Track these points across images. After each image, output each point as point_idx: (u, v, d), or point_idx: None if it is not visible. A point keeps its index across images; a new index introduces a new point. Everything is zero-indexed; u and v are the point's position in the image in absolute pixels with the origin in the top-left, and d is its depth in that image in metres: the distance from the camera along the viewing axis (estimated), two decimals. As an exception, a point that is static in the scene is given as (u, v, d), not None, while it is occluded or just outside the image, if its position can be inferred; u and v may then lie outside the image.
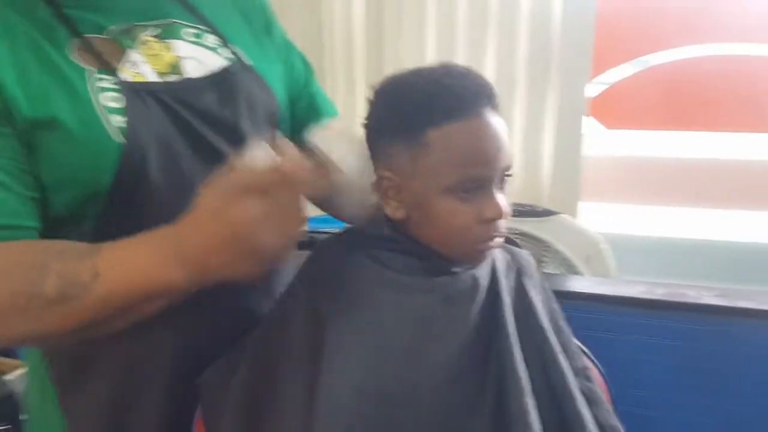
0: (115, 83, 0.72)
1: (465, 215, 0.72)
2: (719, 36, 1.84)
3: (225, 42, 0.83)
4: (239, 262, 0.64)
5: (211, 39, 0.82)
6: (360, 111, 1.95)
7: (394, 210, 0.76)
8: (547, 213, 1.69)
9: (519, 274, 0.82)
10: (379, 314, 0.74)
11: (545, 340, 0.77)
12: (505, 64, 1.74)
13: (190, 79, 0.78)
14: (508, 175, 0.75)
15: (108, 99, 0.71)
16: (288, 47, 0.97)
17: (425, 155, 0.71)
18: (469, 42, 1.77)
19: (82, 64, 0.71)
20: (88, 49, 0.72)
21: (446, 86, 0.71)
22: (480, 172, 0.72)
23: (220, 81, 0.80)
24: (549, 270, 1.62)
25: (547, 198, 1.81)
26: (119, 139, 0.70)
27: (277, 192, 0.62)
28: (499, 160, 0.72)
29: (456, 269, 0.77)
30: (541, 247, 1.68)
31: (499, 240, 0.75)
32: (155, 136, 0.73)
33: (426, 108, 0.71)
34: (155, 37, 0.78)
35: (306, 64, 1.01)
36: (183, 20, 0.81)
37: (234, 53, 0.83)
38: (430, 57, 1.81)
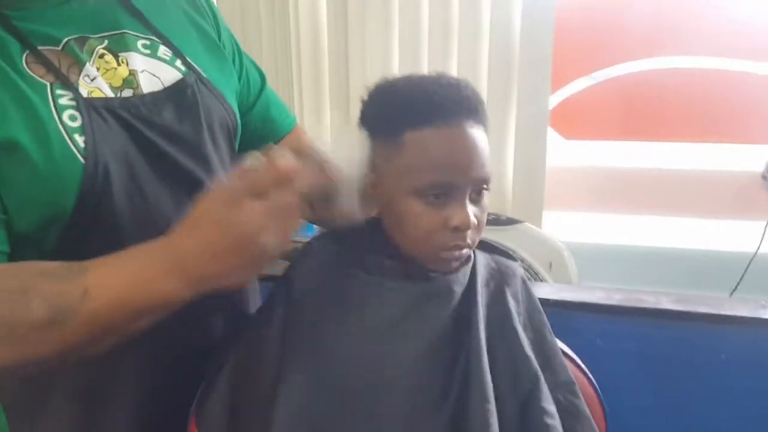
0: (73, 99, 0.69)
1: (431, 220, 0.73)
2: (676, 50, 1.89)
3: (178, 53, 0.81)
4: (239, 267, 0.64)
5: (163, 50, 0.80)
6: (327, 120, 1.97)
7: (369, 208, 0.78)
8: (510, 221, 1.72)
9: (500, 283, 0.82)
10: (349, 314, 0.76)
11: (518, 348, 0.78)
12: (467, 76, 1.75)
13: (147, 94, 0.75)
14: (485, 188, 0.76)
15: (68, 116, 0.68)
16: (239, 54, 0.96)
17: (400, 156, 0.73)
18: (432, 55, 1.80)
19: (40, 79, 0.68)
20: (44, 62, 0.69)
21: (430, 92, 0.73)
22: (449, 179, 0.73)
23: (177, 95, 0.78)
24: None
25: (511, 207, 1.84)
26: (81, 159, 0.67)
27: (274, 191, 0.62)
28: (471, 170, 0.73)
29: (433, 274, 0.78)
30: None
31: (466, 251, 0.76)
32: (117, 156, 0.71)
33: (407, 110, 0.73)
34: (107, 49, 0.75)
35: (259, 71, 0.99)
36: (134, 31, 0.79)
37: (187, 65, 0.81)
38: (394, 69, 1.84)
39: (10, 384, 0.77)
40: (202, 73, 0.82)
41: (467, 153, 0.73)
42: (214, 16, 0.91)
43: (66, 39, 0.72)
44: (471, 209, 0.74)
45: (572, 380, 0.82)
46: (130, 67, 0.76)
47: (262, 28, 1.93)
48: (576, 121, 2.03)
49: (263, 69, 1.00)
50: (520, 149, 1.79)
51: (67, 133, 0.67)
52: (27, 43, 0.69)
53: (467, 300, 0.78)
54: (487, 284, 0.82)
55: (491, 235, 1.68)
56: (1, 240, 0.67)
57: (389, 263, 0.79)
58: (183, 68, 0.80)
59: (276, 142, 1.00)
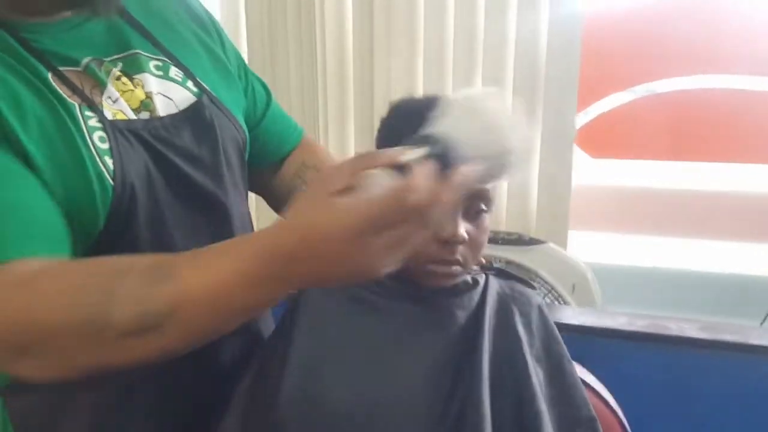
0: (99, 120, 0.69)
1: None
2: (710, 68, 1.85)
3: (189, 73, 0.81)
4: (334, 282, 0.61)
5: (174, 71, 0.80)
6: (352, 144, 1.97)
7: None
8: (534, 242, 1.69)
9: (511, 311, 0.80)
10: (349, 335, 0.76)
11: (525, 381, 0.76)
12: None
13: (166, 117, 0.76)
14: (483, 209, 0.75)
15: (97, 138, 0.68)
16: (245, 70, 0.95)
17: None
18: (456, 71, 1.79)
19: (69, 99, 0.68)
20: (68, 84, 0.69)
21: (420, 113, 0.72)
22: None
23: (194, 117, 0.78)
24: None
25: (535, 227, 1.82)
26: (111, 181, 0.68)
27: (402, 225, 0.55)
28: None
29: (437, 297, 0.77)
30: (527, 276, 1.68)
31: (456, 268, 0.75)
32: (141, 178, 0.71)
33: (400, 129, 0.72)
34: (123, 71, 0.76)
35: (264, 86, 0.99)
36: (145, 51, 0.79)
37: (199, 85, 0.81)
38: (419, 85, 1.83)
39: (20, 404, 0.74)
40: (213, 93, 0.82)
41: None
42: (219, 33, 0.91)
43: (85, 60, 0.72)
44: (464, 225, 0.73)
45: (593, 417, 0.79)
46: (146, 89, 0.76)
47: (290, 58, 1.95)
48: (603, 140, 2.00)
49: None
50: (544, 168, 1.76)
51: (98, 155, 0.68)
52: (49, 64, 0.69)
53: (472, 326, 0.77)
54: (497, 312, 0.80)
55: (514, 255, 1.67)
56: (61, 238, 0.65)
57: (390, 283, 0.78)
58: (195, 89, 0.81)
59: (284, 156, 0.99)
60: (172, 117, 0.76)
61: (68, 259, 0.65)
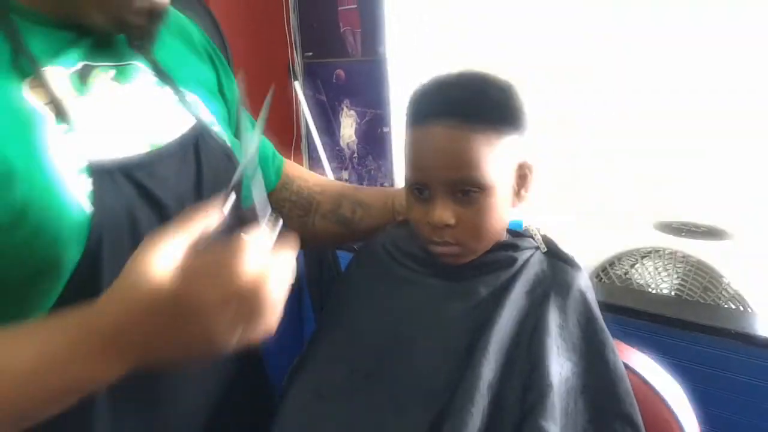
0: (75, 139, 0.60)
1: (417, 213, 0.78)
2: None
3: (183, 96, 0.75)
4: (175, 357, 0.54)
5: (169, 91, 0.74)
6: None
7: None
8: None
9: (547, 292, 0.78)
10: (379, 300, 0.82)
11: (539, 361, 0.72)
12: None
13: (156, 148, 0.68)
14: (473, 190, 0.73)
15: (69, 158, 0.59)
16: (228, 76, 0.88)
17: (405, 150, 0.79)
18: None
19: (39, 109, 0.59)
20: (43, 91, 0.60)
21: (424, 93, 0.77)
22: (416, 177, 0.77)
23: (184, 147, 0.71)
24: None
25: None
26: (88, 208, 0.59)
27: (235, 299, 0.50)
28: (438, 171, 0.74)
29: (465, 273, 0.80)
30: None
31: (451, 248, 0.77)
32: (122, 209, 0.62)
33: (409, 109, 0.79)
34: (114, 79, 0.69)
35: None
36: (141, 63, 0.73)
37: (192, 109, 0.75)
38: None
39: None
40: (207, 116, 0.78)
41: (430, 154, 0.74)
42: (213, 59, 0.86)
43: (68, 65, 0.65)
44: (451, 208, 0.74)
45: (631, 412, 0.72)
46: (135, 108, 0.69)
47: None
48: None
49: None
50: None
51: (72, 175, 0.59)
52: (34, 63, 0.61)
53: (495, 302, 0.76)
54: (532, 290, 0.78)
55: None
56: None
57: (423, 256, 0.82)
58: (187, 114, 0.74)
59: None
60: (162, 148, 0.69)
61: None
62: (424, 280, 0.81)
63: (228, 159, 0.76)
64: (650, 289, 1.59)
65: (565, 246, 0.84)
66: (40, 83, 0.60)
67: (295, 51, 2.50)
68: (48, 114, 0.60)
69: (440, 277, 0.81)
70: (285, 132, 2.46)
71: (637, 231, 1.65)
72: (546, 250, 0.83)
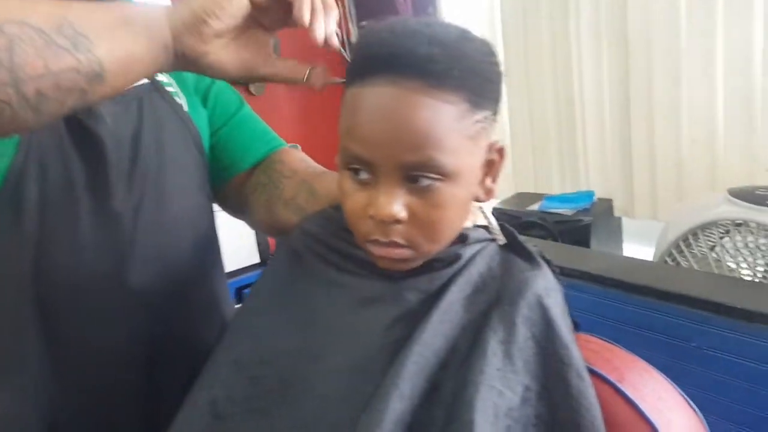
0: None
1: (355, 201, 0.57)
2: None
3: None
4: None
5: None
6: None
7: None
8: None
9: (491, 298, 0.59)
10: (295, 305, 0.66)
11: (469, 387, 0.54)
12: None
13: None
14: (433, 177, 0.54)
15: None
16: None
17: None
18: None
19: None
20: None
21: (380, 40, 0.55)
22: (356, 152, 0.55)
23: (127, 99, 0.73)
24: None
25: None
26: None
27: None
28: (386, 147, 0.53)
29: (393, 276, 0.61)
30: None
31: (399, 251, 0.57)
32: (53, 131, 0.66)
33: (354, 60, 0.57)
34: None
35: (236, 93, 0.89)
36: None
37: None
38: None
39: None
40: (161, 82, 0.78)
41: (382, 123, 0.53)
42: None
43: None
44: (402, 198, 0.55)
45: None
46: None
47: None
48: None
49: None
50: None
51: None
52: None
53: (424, 312, 0.58)
54: (473, 296, 0.59)
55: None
56: None
57: (349, 250, 0.64)
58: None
59: (250, 166, 0.88)
60: None
61: None
62: (342, 281, 0.63)
63: (180, 119, 0.78)
64: (732, 273, 1.29)
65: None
66: None
67: (350, 21, 2.50)
68: None
69: (361, 276, 0.63)
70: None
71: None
72: (504, 242, 0.63)
